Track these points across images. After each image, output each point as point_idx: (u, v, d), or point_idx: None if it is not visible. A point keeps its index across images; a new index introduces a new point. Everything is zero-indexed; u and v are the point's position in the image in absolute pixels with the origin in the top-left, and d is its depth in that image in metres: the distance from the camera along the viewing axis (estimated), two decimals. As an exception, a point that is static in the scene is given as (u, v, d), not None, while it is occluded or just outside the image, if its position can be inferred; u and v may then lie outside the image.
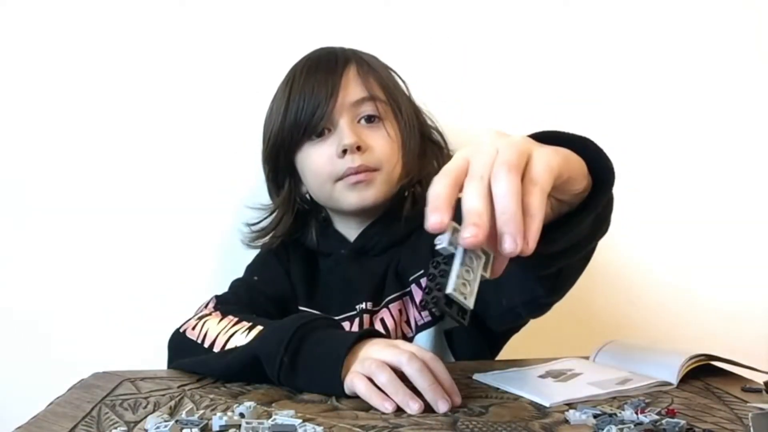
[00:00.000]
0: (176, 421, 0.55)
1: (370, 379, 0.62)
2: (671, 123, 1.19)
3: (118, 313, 1.13)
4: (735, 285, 1.20)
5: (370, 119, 0.89)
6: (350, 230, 0.95)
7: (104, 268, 1.13)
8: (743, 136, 1.20)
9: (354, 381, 0.64)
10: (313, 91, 0.88)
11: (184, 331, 0.82)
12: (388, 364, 0.63)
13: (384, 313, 0.88)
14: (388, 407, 0.60)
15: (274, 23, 1.13)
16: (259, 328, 0.75)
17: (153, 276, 1.13)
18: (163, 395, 0.66)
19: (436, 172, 0.94)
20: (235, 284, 0.95)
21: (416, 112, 0.97)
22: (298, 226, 0.98)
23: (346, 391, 0.65)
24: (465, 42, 1.16)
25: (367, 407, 0.61)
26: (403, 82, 0.97)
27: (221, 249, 1.12)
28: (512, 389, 0.66)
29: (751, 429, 0.47)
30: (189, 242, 1.13)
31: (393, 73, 0.96)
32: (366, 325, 0.87)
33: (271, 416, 0.56)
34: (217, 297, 0.89)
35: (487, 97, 1.16)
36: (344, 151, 0.86)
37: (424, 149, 0.96)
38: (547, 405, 0.60)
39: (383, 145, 0.89)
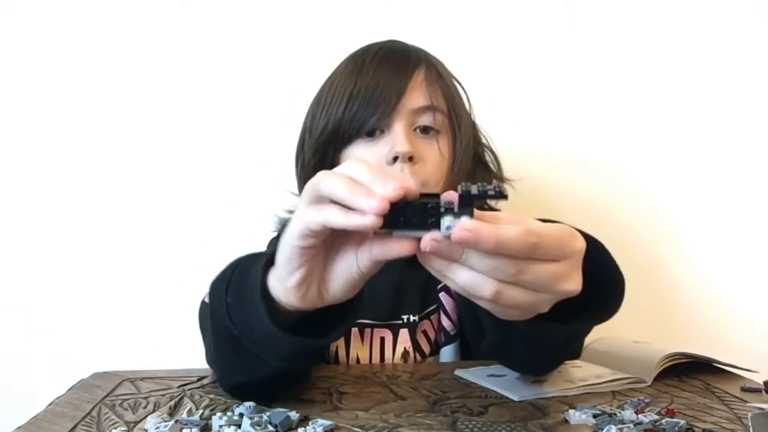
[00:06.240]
0: (176, 421, 0.55)
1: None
2: (660, 123, 1.18)
3: (118, 312, 1.13)
4: (735, 285, 1.20)
5: (426, 130, 0.81)
6: None
7: (104, 267, 1.13)
8: (740, 131, 1.20)
9: (323, 178, 0.47)
10: (383, 86, 0.79)
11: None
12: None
13: (426, 325, 0.85)
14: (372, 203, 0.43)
15: (276, 23, 1.13)
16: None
17: (153, 276, 1.13)
18: (163, 395, 0.66)
19: None
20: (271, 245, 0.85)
21: (473, 129, 0.89)
22: None
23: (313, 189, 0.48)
24: (465, 43, 1.16)
25: (368, 407, 0.61)
26: (466, 95, 0.89)
27: (223, 249, 1.11)
28: (487, 384, 0.67)
29: (751, 429, 0.47)
30: (190, 242, 1.13)
31: (457, 84, 0.88)
32: (409, 338, 0.83)
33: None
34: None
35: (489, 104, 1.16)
36: (395, 158, 0.78)
37: (474, 170, 0.88)
38: (516, 399, 0.62)
39: (434, 160, 0.81)
